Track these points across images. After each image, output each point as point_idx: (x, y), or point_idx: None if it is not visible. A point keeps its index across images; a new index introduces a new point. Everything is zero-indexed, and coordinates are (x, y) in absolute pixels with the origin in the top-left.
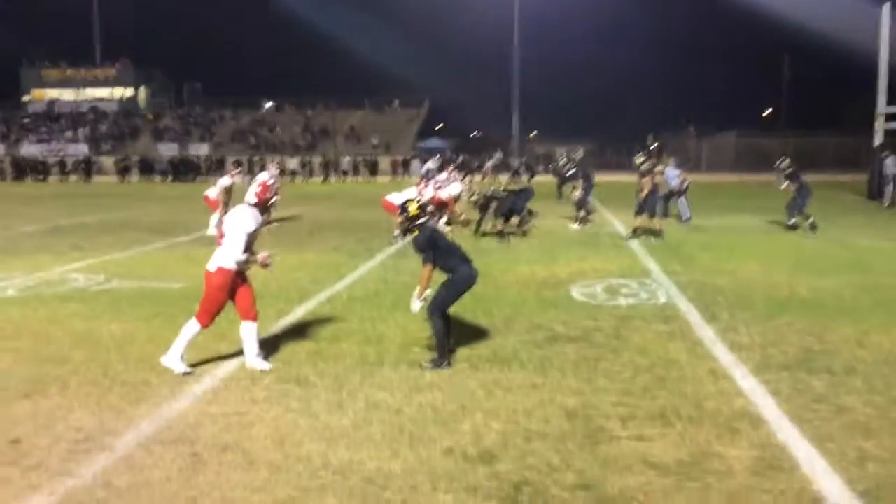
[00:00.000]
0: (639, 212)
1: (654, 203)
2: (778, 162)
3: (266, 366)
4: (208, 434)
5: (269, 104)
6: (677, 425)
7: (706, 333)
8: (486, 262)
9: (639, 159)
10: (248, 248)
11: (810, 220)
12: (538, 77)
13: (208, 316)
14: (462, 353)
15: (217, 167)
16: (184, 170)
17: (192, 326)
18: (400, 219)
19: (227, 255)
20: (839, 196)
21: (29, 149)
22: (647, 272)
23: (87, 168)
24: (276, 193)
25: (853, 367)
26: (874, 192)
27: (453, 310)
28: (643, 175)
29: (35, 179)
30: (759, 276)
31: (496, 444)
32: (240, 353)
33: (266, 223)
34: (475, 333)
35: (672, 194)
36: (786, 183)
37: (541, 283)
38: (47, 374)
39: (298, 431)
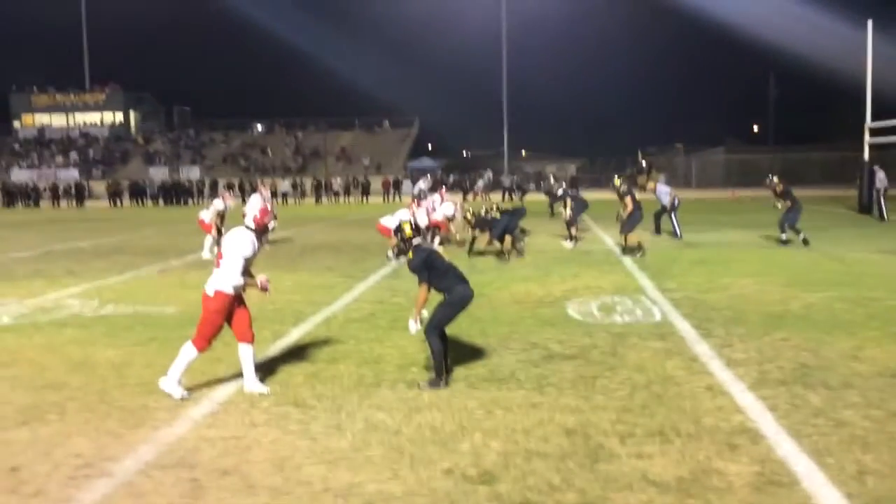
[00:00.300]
0: (624, 231)
1: (635, 221)
2: (767, 180)
3: (264, 389)
4: (207, 458)
5: (259, 127)
6: (676, 442)
7: (702, 349)
8: (481, 281)
9: (617, 181)
10: (246, 272)
11: (801, 235)
12: (528, 96)
13: (205, 340)
14: (459, 372)
15: (211, 190)
16: (175, 193)
17: (188, 351)
18: (394, 240)
19: (225, 279)
20: (829, 210)
21: (19, 175)
22: (641, 289)
23: (78, 193)
24: (274, 217)
25: (849, 381)
26: (864, 206)
27: (450, 329)
28: (622, 196)
29: (26, 206)
30: (752, 291)
31: (496, 464)
32: (238, 376)
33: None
34: (472, 353)
35: (664, 211)
36: (781, 202)
37: (536, 302)
38: (45, 401)
39: (298, 454)
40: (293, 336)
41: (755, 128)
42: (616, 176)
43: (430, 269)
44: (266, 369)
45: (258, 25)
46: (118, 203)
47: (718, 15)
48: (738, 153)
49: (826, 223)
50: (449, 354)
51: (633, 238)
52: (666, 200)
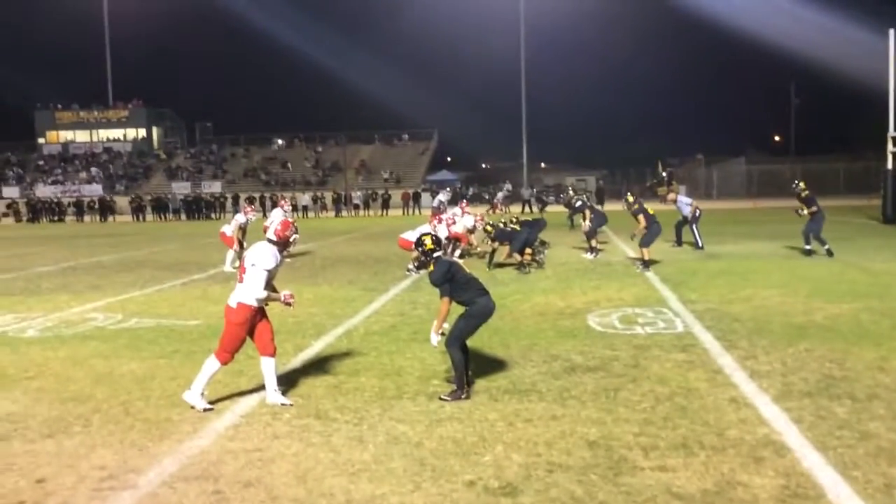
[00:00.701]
0: (644, 244)
1: (654, 234)
2: (794, 185)
3: (286, 401)
4: (230, 470)
5: (279, 141)
6: (700, 455)
7: (726, 361)
8: (502, 292)
9: (629, 198)
10: (268, 285)
11: (826, 246)
12: (547, 107)
13: (228, 353)
14: (480, 384)
15: (233, 204)
16: (197, 208)
17: (212, 364)
18: (416, 253)
19: (248, 292)
20: (853, 220)
21: (44, 190)
22: (662, 301)
23: (102, 208)
24: (295, 231)
25: (875, 392)
26: (888, 216)
27: (471, 342)
28: (635, 215)
29: (51, 220)
30: (775, 302)
31: (518, 476)
32: (260, 388)
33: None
34: (493, 365)
35: (685, 222)
36: (804, 208)
37: (557, 313)
38: (70, 413)
39: (320, 466)
40: (315, 349)
41: (776, 138)
42: (628, 193)
43: (452, 282)
44: (288, 382)
45: (280, 42)
46: (141, 218)
47: (739, 25)
48: (759, 164)
49: (850, 233)
50: (470, 366)
51: (649, 252)
52: (687, 211)
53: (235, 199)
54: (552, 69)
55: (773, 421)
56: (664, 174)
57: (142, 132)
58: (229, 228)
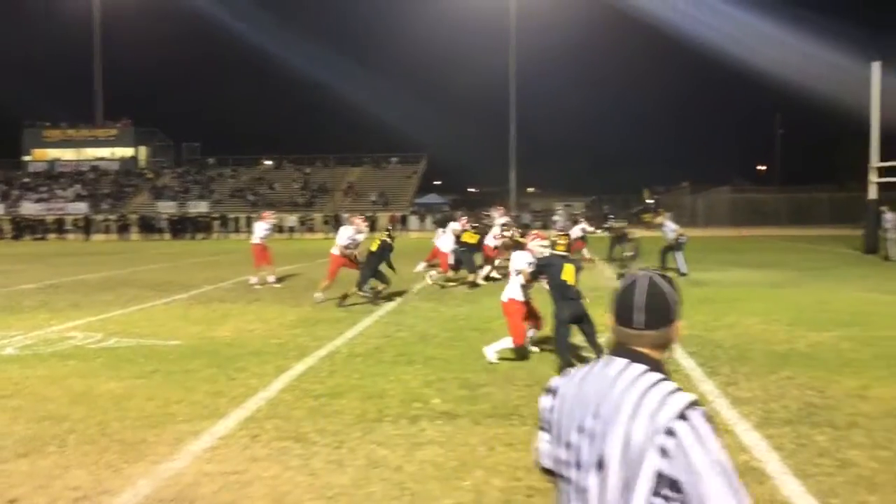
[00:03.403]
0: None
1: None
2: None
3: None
4: (206, 493)
5: (267, 162)
6: None
7: (707, 387)
8: (487, 315)
9: (616, 223)
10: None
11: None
12: (535, 133)
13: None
14: (462, 408)
15: (221, 225)
16: (182, 227)
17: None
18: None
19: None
20: (836, 249)
21: (30, 208)
22: None
23: (86, 226)
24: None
25: (855, 420)
26: (870, 246)
27: (454, 365)
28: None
29: (34, 238)
30: (758, 329)
31: (498, 501)
32: (238, 410)
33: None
34: (476, 388)
35: (670, 248)
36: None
37: (542, 337)
38: (45, 433)
39: (298, 490)
40: (297, 370)
41: (761, 167)
42: (611, 217)
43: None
44: (268, 404)
45: (270, 63)
46: (126, 236)
47: (726, 56)
48: (744, 192)
49: (832, 263)
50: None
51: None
52: (671, 237)
53: (223, 219)
54: (542, 95)
55: (753, 448)
56: (651, 201)
57: (129, 151)
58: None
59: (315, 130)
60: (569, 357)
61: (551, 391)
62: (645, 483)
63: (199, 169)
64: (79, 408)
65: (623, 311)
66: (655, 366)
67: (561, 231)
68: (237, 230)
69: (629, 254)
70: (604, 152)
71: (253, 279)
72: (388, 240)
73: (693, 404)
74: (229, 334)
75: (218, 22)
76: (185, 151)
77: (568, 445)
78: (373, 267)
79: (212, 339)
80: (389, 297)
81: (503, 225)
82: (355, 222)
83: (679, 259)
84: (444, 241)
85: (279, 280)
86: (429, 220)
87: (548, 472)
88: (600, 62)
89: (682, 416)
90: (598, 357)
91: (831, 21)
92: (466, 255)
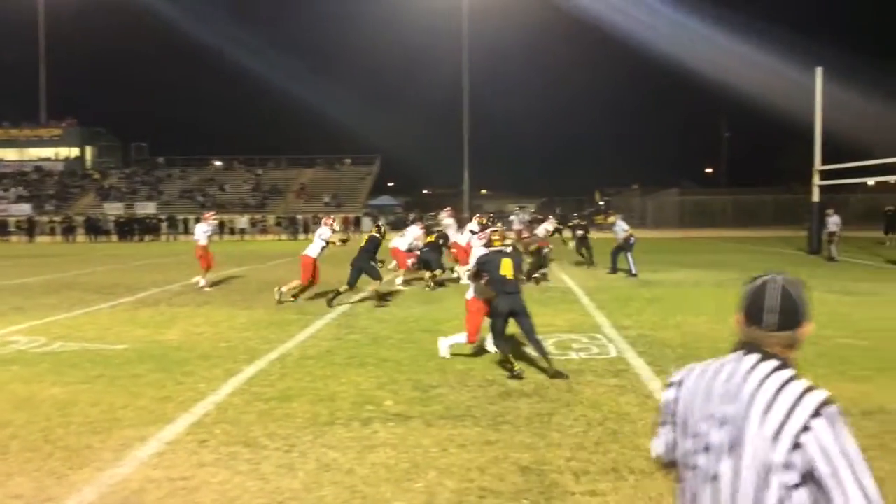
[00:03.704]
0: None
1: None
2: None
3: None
4: (153, 500)
5: (217, 163)
6: (630, 479)
7: (656, 386)
8: (439, 318)
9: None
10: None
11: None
12: (489, 136)
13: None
14: (415, 409)
15: (169, 227)
16: (129, 229)
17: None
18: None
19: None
20: (781, 251)
21: None
22: (597, 327)
23: (30, 228)
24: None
25: None
26: (813, 247)
27: (407, 367)
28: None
29: None
30: (704, 328)
31: (450, 502)
32: (186, 414)
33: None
34: (429, 389)
35: (620, 249)
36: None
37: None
38: None
39: (247, 495)
40: (247, 374)
41: (708, 170)
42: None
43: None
44: (217, 408)
45: (221, 62)
46: (72, 238)
47: (675, 61)
48: (692, 195)
49: (777, 263)
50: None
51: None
52: (622, 237)
53: (171, 221)
54: (495, 98)
55: None
56: (602, 203)
57: (75, 151)
58: (402, 243)
59: (267, 131)
60: (506, 349)
61: (676, 384)
62: (780, 476)
63: (147, 169)
64: (21, 414)
65: (755, 311)
66: (785, 363)
67: (517, 232)
68: (186, 231)
69: (544, 270)
70: (556, 155)
71: (202, 281)
72: (377, 235)
73: (827, 402)
74: (177, 338)
75: (168, 20)
76: (133, 152)
77: (696, 435)
78: (361, 264)
79: (159, 343)
80: (384, 298)
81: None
82: (327, 222)
83: (629, 259)
84: (401, 240)
85: (212, 285)
86: (382, 222)
87: (669, 466)
88: (552, 66)
89: (818, 413)
90: (539, 352)
91: (777, 28)
92: (433, 254)
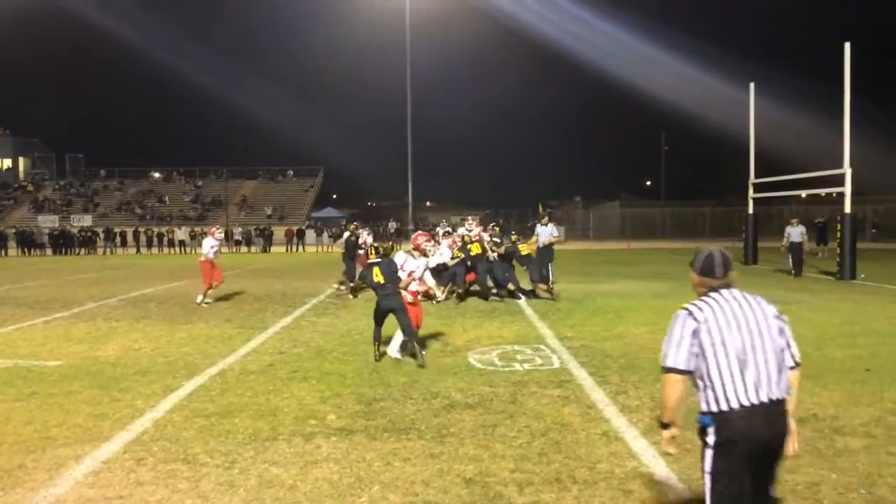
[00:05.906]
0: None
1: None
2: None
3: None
4: None
5: (156, 174)
6: (573, 489)
7: (598, 396)
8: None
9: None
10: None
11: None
12: (433, 148)
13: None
14: (359, 423)
15: (105, 239)
16: (64, 242)
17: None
18: None
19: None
20: None
21: None
22: (540, 338)
23: None
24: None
25: None
26: (749, 257)
27: (350, 380)
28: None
29: None
30: (646, 339)
31: None
32: (123, 432)
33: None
34: (372, 403)
35: (545, 262)
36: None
37: (437, 351)
38: None
39: None
40: (186, 389)
41: (648, 183)
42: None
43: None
44: (155, 425)
45: (159, 71)
46: (3, 252)
47: (616, 77)
48: (632, 207)
49: None
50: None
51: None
52: (543, 241)
53: (107, 234)
54: (439, 111)
55: (641, 454)
56: (544, 214)
57: (7, 163)
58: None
59: (207, 142)
60: (378, 343)
61: (695, 315)
62: (787, 345)
63: (82, 181)
64: None
65: (709, 267)
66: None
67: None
68: (125, 245)
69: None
70: (500, 167)
71: (200, 297)
72: (351, 237)
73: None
74: (114, 353)
75: (103, 29)
76: (69, 163)
77: (723, 343)
78: (347, 263)
79: (95, 359)
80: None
81: (447, 233)
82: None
83: (549, 267)
84: (436, 258)
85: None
86: (325, 234)
87: (684, 373)
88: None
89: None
90: (412, 346)
91: (712, 46)
92: (459, 267)
